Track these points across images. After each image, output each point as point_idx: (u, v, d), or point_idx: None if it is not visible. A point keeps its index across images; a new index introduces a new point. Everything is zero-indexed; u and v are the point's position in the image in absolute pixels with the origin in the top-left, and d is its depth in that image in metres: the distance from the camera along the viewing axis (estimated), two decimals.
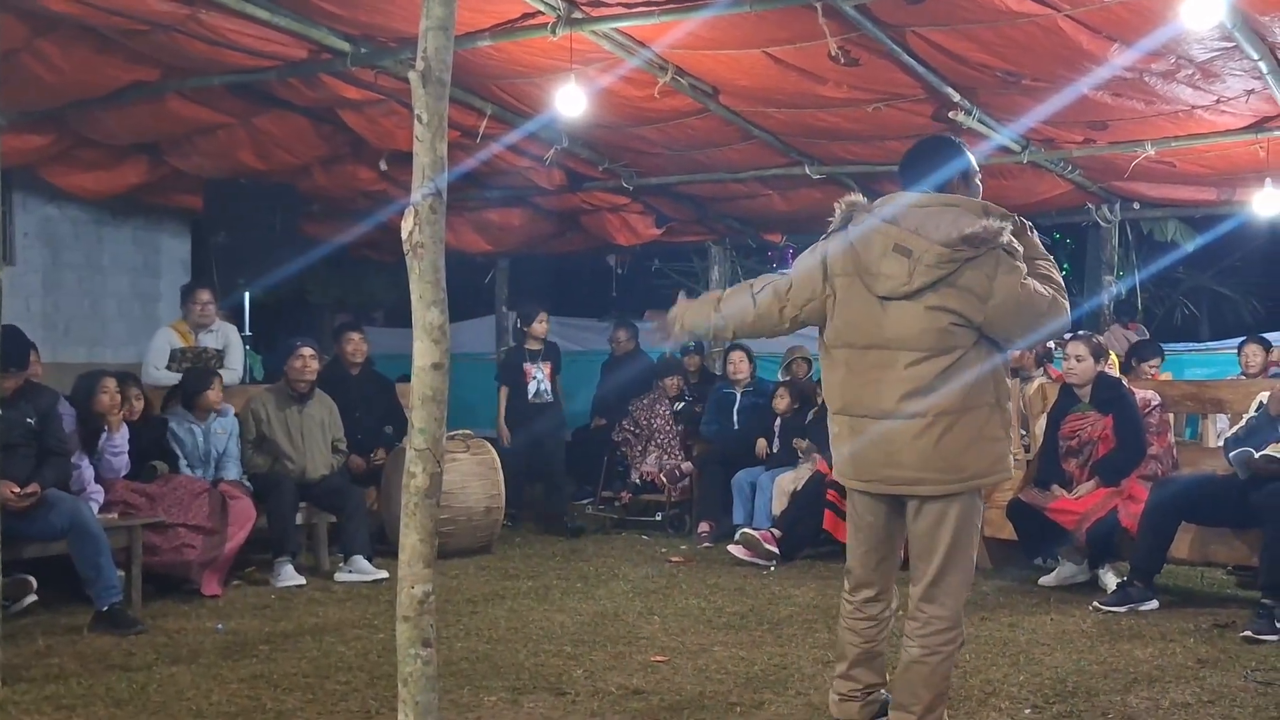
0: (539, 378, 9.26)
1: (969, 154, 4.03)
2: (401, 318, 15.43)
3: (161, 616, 6.06)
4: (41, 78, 7.32)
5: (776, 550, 7.53)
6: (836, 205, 3.99)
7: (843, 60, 6.49)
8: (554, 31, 6.48)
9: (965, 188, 3.93)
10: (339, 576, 7.14)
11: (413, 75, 3.23)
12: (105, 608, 5.75)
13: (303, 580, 6.97)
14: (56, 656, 5.27)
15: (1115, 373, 7.62)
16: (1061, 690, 4.68)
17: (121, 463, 6.62)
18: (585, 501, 10.35)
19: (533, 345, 9.37)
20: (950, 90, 7.17)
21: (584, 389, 11.93)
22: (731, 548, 7.68)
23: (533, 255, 13.41)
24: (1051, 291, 3.75)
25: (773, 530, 7.70)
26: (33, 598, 6.17)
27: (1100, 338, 7.30)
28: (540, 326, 9.38)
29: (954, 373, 3.68)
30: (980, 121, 7.65)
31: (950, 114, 7.42)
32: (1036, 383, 7.72)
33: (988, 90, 7.26)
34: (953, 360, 3.68)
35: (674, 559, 7.86)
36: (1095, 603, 6.21)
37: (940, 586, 3.78)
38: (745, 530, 7.74)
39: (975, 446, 3.72)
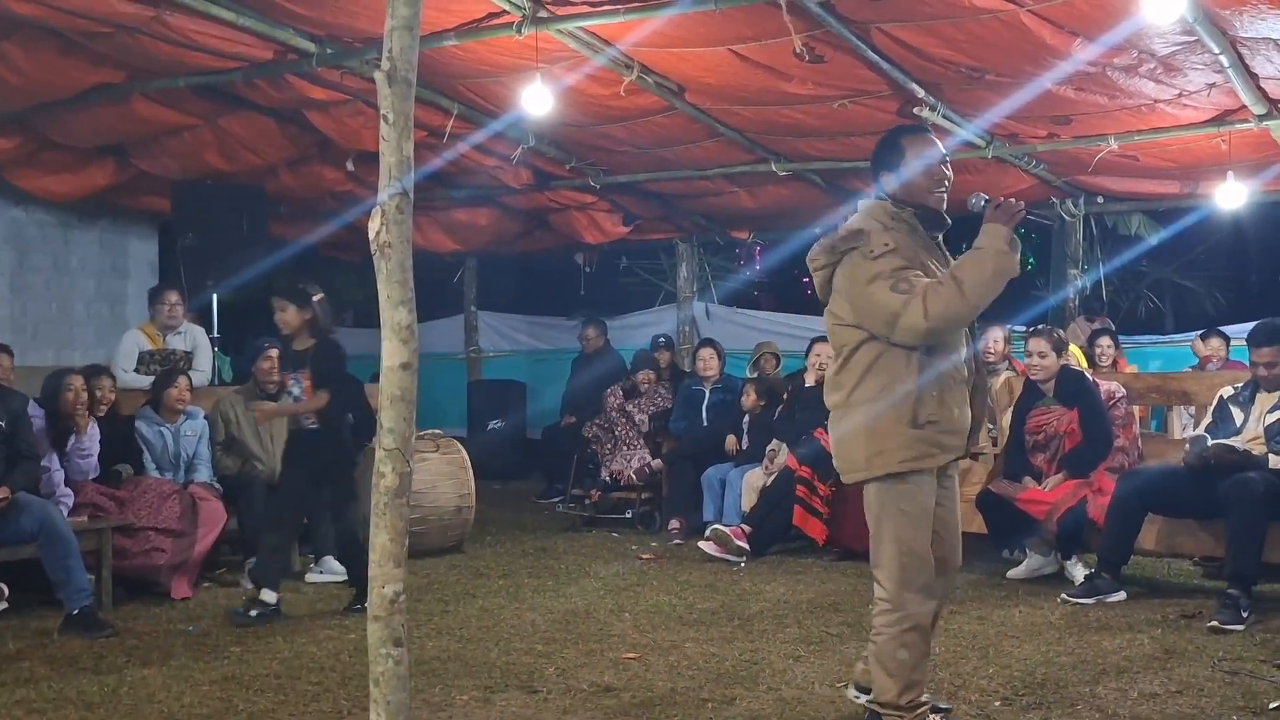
0: (295, 393, 6.25)
1: (899, 144, 4.06)
2: (370, 318, 15.37)
3: (132, 619, 6.03)
4: (5, 80, 7.29)
5: (747, 546, 7.56)
6: None
7: (807, 57, 6.52)
8: (519, 31, 6.49)
9: (893, 183, 4.05)
10: (309, 577, 7.12)
11: (378, 75, 3.24)
12: (75, 611, 5.72)
13: None
14: (27, 660, 5.24)
15: (1079, 367, 7.68)
16: (1031, 682, 4.72)
17: (89, 465, 6.59)
18: (555, 500, 10.36)
19: (297, 344, 6.26)
20: (915, 86, 7.22)
21: (553, 387, 11.95)
22: (702, 544, 7.71)
23: (500, 254, 13.41)
24: (915, 292, 3.79)
25: (743, 526, 7.73)
26: (2, 605, 6.13)
27: (1061, 332, 7.35)
28: (280, 316, 6.20)
29: (845, 369, 3.98)
30: (945, 117, 7.70)
31: (915, 110, 7.46)
32: (1003, 377, 7.77)
33: (952, 86, 7.31)
34: (844, 359, 3.99)
35: (644, 556, 7.87)
36: (1063, 595, 6.26)
37: (876, 568, 3.97)
38: (716, 526, 7.77)
39: (859, 439, 3.93)
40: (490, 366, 13.72)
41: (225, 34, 6.87)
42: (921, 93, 7.30)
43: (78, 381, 6.56)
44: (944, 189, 4.03)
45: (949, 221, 4.08)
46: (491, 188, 10.59)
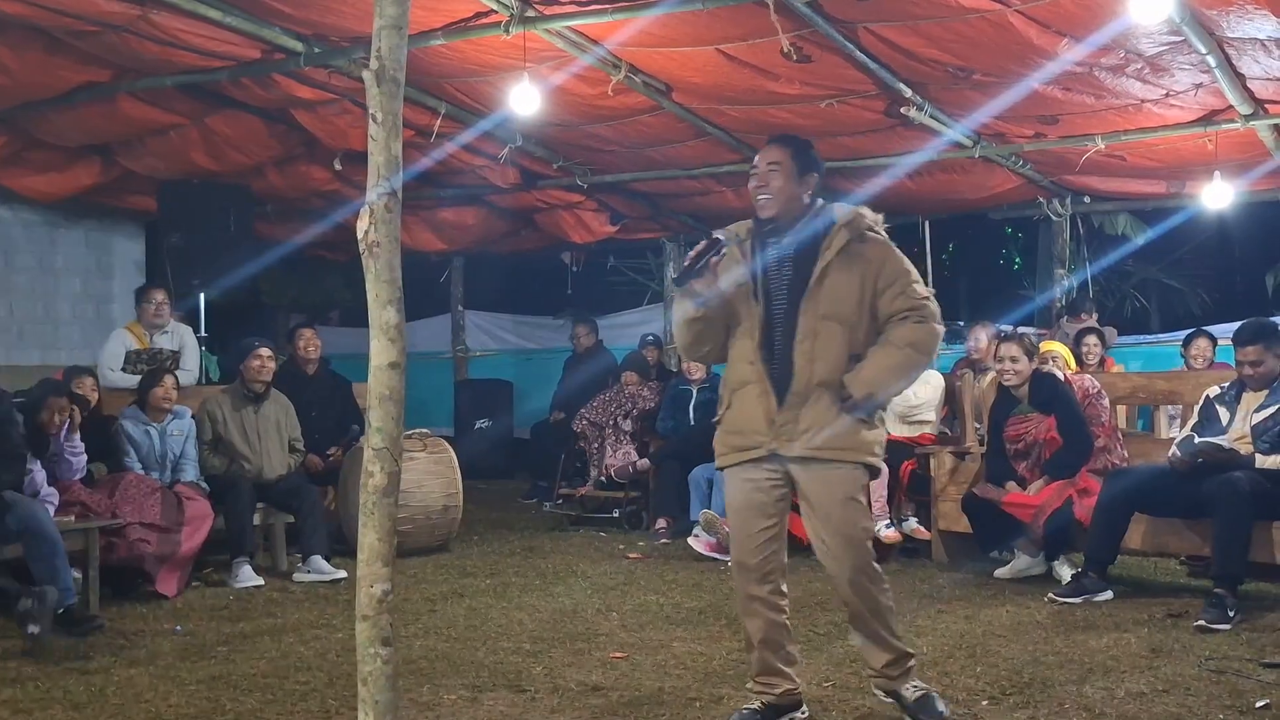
0: None
1: None
2: (356, 318, 15.34)
3: (118, 618, 6.00)
4: None
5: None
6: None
7: (795, 57, 6.54)
8: (507, 30, 6.49)
9: None
10: (297, 576, 7.11)
11: (367, 74, 3.23)
12: (62, 609, 5.70)
13: (261, 581, 6.94)
14: (13, 660, 5.22)
15: (1068, 368, 7.67)
16: (1018, 681, 4.71)
17: (80, 464, 6.55)
18: (540, 499, 10.33)
19: None
20: (901, 86, 7.24)
21: (541, 387, 11.94)
22: (691, 540, 7.69)
23: (487, 254, 13.40)
24: None
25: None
26: None
27: (1033, 337, 7.35)
28: None
29: None
30: (932, 117, 7.72)
31: (902, 109, 7.49)
32: (990, 376, 7.78)
33: (939, 85, 7.33)
34: None
35: (632, 556, 7.87)
36: (1050, 594, 6.26)
37: None
38: (706, 510, 7.72)
39: None
40: (477, 366, 13.71)
41: (212, 33, 6.85)
42: (908, 92, 7.32)
43: (58, 403, 6.39)
44: (759, 196, 4.17)
45: (767, 223, 4.16)
46: (478, 187, 10.58)
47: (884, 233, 4.13)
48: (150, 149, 8.95)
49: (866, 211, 4.15)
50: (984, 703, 4.45)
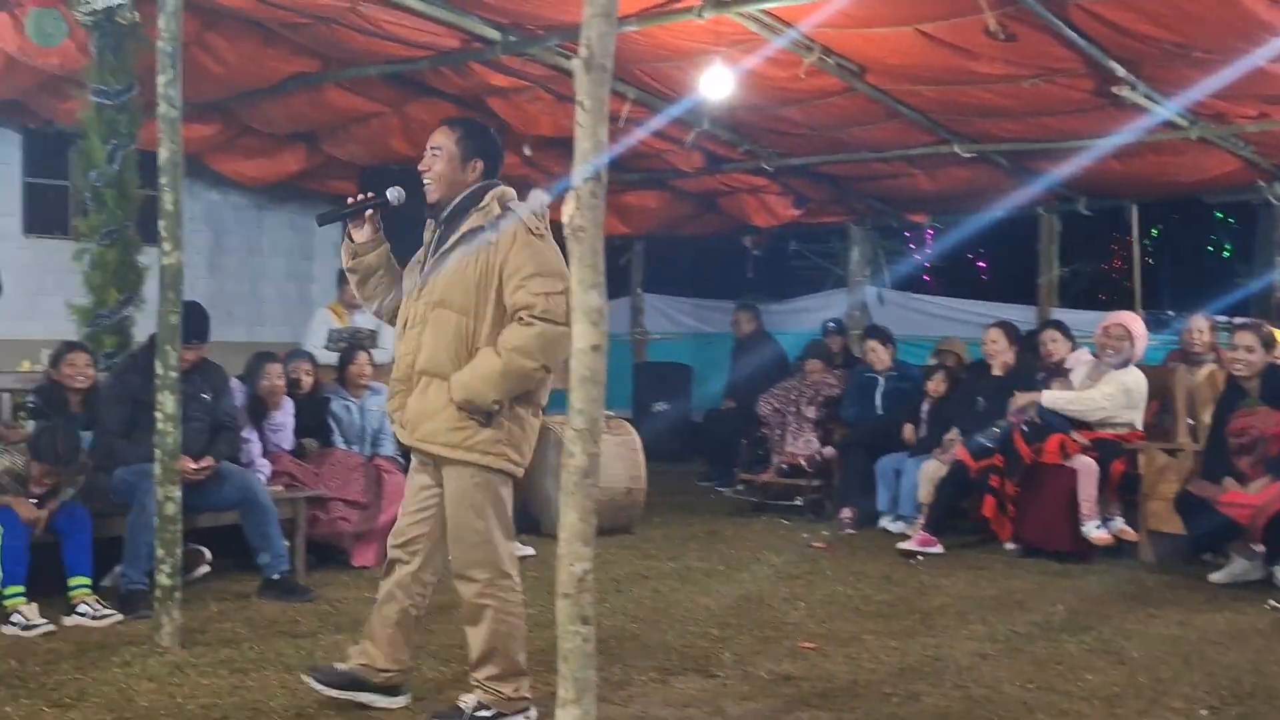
0: None
1: None
2: None
3: (323, 585, 6.23)
4: (209, 69, 7.58)
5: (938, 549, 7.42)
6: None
7: (1001, 35, 6.31)
8: (701, 15, 6.44)
9: None
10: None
11: (576, 62, 3.24)
12: (275, 576, 5.97)
13: None
14: (228, 621, 5.48)
15: None
16: (1239, 691, 4.49)
17: (282, 438, 6.84)
18: (718, 484, 10.29)
19: None
20: (1113, 64, 6.91)
21: (719, 370, 11.89)
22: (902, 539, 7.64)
23: (669, 237, 13.41)
24: None
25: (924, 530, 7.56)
26: (205, 569, 6.39)
27: (1271, 327, 6.92)
28: None
29: None
30: (1145, 96, 7.37)
31: (1114, 89, 7.16)
32: (1206, 368, 7.38)
33: (1153, 63, 6.97)
34: None
35: (816, 544, 7.77)
36: (1271, 601, 5.95)
37: None
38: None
39: None
40: (655, 349, 13.75)
41: (415, 23, 7.02)
42: (1120, 70, 6.98)
43: (275, 370, 6.83)
44: (424, 181, 4.24)
45: (432, 208, 4.26)
46: (662, 171, 10.58)
47: (534, 221, 3.97)
48: (353, 136, 9.24)
49: (513, 197, 4.07)
50: (1203, 712, 4.26)
